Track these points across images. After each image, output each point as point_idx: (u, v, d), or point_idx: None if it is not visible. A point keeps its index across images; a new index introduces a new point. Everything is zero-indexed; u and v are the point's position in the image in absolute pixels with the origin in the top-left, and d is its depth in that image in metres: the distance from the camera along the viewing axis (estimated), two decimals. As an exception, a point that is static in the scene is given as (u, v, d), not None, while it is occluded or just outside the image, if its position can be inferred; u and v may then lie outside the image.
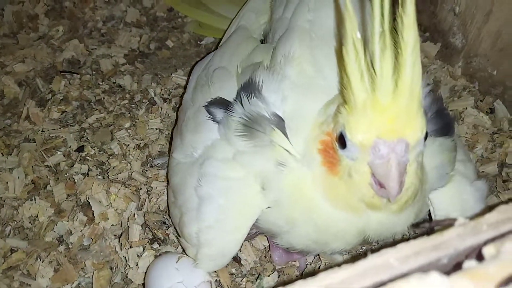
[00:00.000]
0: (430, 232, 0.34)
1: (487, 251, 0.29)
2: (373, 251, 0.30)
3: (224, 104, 0.52)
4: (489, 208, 0.34)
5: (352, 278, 0.28)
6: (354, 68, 0.39)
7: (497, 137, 0.73)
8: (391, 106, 0.38)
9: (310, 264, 0.60)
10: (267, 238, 0.60)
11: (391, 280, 0.28)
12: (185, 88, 0.68)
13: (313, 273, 0.29)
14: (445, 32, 0.84)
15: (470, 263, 0.28)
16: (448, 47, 0.84)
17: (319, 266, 0.59)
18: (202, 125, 0.54)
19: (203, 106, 0.54)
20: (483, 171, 0.69)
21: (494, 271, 0.28)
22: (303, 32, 0.54)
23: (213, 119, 0.52)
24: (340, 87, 0.43)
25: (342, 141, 0.41)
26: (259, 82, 0.50)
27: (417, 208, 0.48)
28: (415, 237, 0.32)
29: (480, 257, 0.29)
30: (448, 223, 0.32)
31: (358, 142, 0.40)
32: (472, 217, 0.32)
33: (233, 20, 0.71)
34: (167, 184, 0.61)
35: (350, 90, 0.40)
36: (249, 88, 0.50)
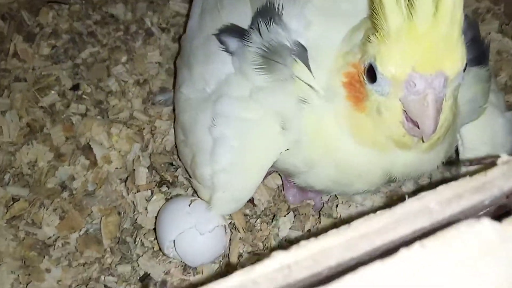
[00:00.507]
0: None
1: None
2: (411, 194, 0.27)
3: (237, 32, 0.47)
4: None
5: (389, 226, 0.26)
6: None
7: None
8: (429, 33, 0.34)
9: (327, 203, 0.58)
10: (281, 176, 0.57)
11: (433, 226, 0.25)
12: (187, 16, 0.62)
13: (347, 221, 0.27)
14: None
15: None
16: None
17: (337, 205, 0.56)
18: (214, 56, 0.49)
19: (214, 35, 0.49)
20: (507, 101, 0.65)
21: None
22: None
23: (226, 50, 0.47)
24: (370, 11, 0.38)
25: (371, 74, 0.37)
26: (278, 5, 0.44)
27: (448, 144, 0.45)
28: (454, 178, 0.28)
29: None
30: (490, 161, 0.30)
31: (391, 75, 0.36)
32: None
33: None
34: (174, 121, 0.57)
35: (382, 14, 0.35)
36: (267, 13, 0.45)
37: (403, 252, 0.22)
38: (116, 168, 0.60)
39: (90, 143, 0.60)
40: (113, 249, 0.55)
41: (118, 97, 0.65)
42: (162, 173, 0.58)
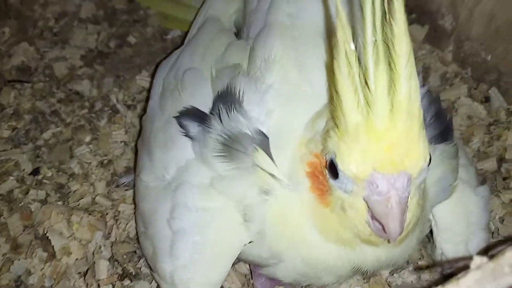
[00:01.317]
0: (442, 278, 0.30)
1: None
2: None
3: (198, 115, 0.46)
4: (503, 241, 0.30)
5: None
6: (347, 86, 0.35)
7: (494, 129, 0.70)
8: (388, 131, 0.34)
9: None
10: (249, 264, 0.55)
11: None
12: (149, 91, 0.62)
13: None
14: (434, 14, 0.81)
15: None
16: (437, 30, 0.81)
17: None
18: (174, 141, 0.48)
19: (174, 117, 0.48)
20: (481, 168, 0.66)
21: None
22: (284, 29, 0.49)
23: (186, 134, 0.46)
24: (330, 106, 0.38)
25: (333, 169, 0.36)
26: (239, 92, 0.44)
27: (419, 231, 0.44)
28: (429, 286, 0.27)
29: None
30: (463, 265, 0.29)
31: (352, 175, 0.34)
32: (491, 255, 0.28)
33: (200, 9, 0.65)
34: (135, 208, 0.55)
35: (341, 111, 0.35)
36: (228, 99, 0.45)
37: None
38: (76, 259, 0.58)
39: (47, 234, 0.58)
40: None
41: (80, 181, 0.65)
42: (125, 265, 0.57)
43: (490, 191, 0.63)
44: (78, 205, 0.63)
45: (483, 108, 0.72)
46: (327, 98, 0.43)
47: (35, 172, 0.66)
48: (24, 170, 0.66)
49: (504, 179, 0.65)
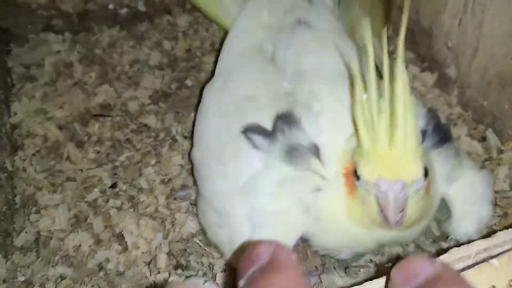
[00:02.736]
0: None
1: None
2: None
3: (262, 131, 0.58)
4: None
5: None
6: (361, 123, 0.49)
7: (488, 164, 0.78)
8: (388, 156, 0.48)
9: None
10: None
11: None
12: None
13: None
14: (441, 63, 0.91)
15: None
16: (444, 77, 0.90)
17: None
18: (243, 153, 0.59)
19: (242, 132, 0.59)
20: None
21: None
22: (316, 72, 0.63)
23: (253, 146, 0.58)
24: (355, 134, 0.53)
25: (357, 174, 0.51)
26: (297, 115, 0.58)
27: (428, 219, 0.58)
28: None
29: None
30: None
31: (366, 179, 0.49)
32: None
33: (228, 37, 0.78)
34: (198, 207, 0.68)
35: (358, 138, 0.50)
36: (287, 119, 0.58)
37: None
38: (143, 252, 0.70)
39: (123, 232, 0.71)
40: (137, 321, 0.65)
41: (146, 194, 0.76)
42: (178, 258, 0.69)
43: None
44: (145, 212, 0.73)
45: (480, 146, 0.81)
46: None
47: (113, 186, 0.76)
48: (105, 184, 0.76)
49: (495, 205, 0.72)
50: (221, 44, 0.96)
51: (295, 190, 0.56)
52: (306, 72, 0.64)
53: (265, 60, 0.69)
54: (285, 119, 0.58)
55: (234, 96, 0.65)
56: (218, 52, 0.98)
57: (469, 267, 0.42)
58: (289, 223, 0.58)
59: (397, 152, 0.47)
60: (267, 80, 0.65)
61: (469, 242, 0.44)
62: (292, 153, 0.56)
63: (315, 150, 0.56)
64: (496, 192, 0.74)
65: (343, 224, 0.56)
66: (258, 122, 0.59)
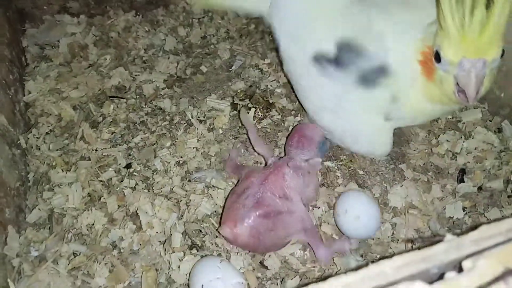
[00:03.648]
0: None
1: (466, 264, 0.35)
2: (373, 261, 0.38)
3: (329, 59, 0.66)
4: (474, 227, 0.41)
5: (354, 283, 0.35)
6: (447, 10, 0.53)
7: (504, 155, 0.79)
8: (476, 40, 0.53)
9: (328, 270, 0.68)
10: (309, 243, 0.68)
11: (385, 286, 0.36)
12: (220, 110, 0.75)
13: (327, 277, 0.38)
14: None
15: (450, 274, 0.35)
16: None
17: (336, 272, 0.67)
18: (321, 84, 0.69)
19: (313, 61, 0.68)
20: (490, 186, 0.76)
21: (467, 282, 0.35)
22: None
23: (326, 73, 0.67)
24: (440, 19, 0.56)
25: (437, 56, 0.56)
26: (362, 43, 0.64)
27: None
28: (408, 250, 0.39)
29: (460, 269, 0.35)
30: (438, 239, 0.39)
31: (449, 60, 0.55)
32: (459, 234, 0.38)
33: None
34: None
35: (444, 24, 0.55)
36: (354, 48, 0.64)
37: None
38: (157, 232, 0.70)
39: (137, 212, 0.71)
40: (150, 300, 0.65)
41: (161, 175, 0.77)
42: (193, 238, 0.69)
43: (495, 204, 0.73)
44: (160, 192, 0.74)
45: (496, 137, 0.81)
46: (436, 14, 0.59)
47: (128, 166, 0.77)
48: (120, 164, 0.78)
49: (509, 197, 0.74)
50: (236, 31, 0.96)
51: (375, 102, 0.66)
52: None
53: None
54: (348, 48, 0.64)
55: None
56: (233, 39, 1.01)
57: (498, 244, 0.41)
58: (375, 124, 0.69)
59: (486, 39, 0.52)
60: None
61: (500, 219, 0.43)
62: (367, 76, 0.64)
63: (387, 66, 0.63)
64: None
65: (421, 105, 0.65)
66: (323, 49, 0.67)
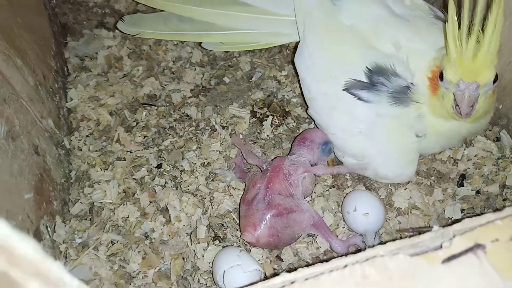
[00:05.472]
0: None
1: (444, 244, 0.43)
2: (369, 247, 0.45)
3: (361, 85, 0.73)
4: (459, 220, 0.49)
5: (351, 263, 0.41)
6: (451, 38, 0.63)
7: (501, 162, 0.84)
8: (470, 65, 0.62)
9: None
10: (326, 236, 0.74)
11: (371, 257, 0.44)
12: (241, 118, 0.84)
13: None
14: None
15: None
16: None
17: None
18: (355, 108, 0.74)
19: (343, 90, 0.74)
20: (487, 190, 0.81)
21: (443, 254, 0.43)
22: (389, 18, 0.77)
23: (360, 99, 0.73)
24: (446, 47, 0.66)
25: (441, 76, 0.67)
26: (391, 66, 0.72)
27: (490, 115, 0.77)
28: (401, 237, 0.46)
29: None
30: (426, 230, 0.45)
31: (449, 80, 0.65)
32: (444, 226, 0.45)
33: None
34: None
35: (448, 50, 0.65)
36: (384, 71, 0.72)
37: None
38: (184, 225, 0.78)
39: (167, 207, 0.79)
40: (178, 283, 0.72)
41: (188, 174, 0.83)
42: (216, 231, 0.77)
43: (491, 207, 0.80)
44: (187, 190, 0.80)
45: (494, 146, 0.86)
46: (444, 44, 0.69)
47: (159, 166, 0.83)
48: (151, 164, 0.84)
49: (503, 200, 0.80)
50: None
51: (406, 120, 0.73)
52: (378, 25, 0.76)
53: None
54: (380, 72, 0.72)
55: (329, 71, 0.78)
56: (253, 53, 1.08)
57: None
58: (406, 144, 0.75)
59: (478, 64, 0.62)
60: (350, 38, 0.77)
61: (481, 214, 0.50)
62: (399, 95, 0.72)
63: (412, 87, 0.72)
64: (507, 187, 0.82)
65: (434, 122, 0.72)
66: (354, 77, 0.74)
